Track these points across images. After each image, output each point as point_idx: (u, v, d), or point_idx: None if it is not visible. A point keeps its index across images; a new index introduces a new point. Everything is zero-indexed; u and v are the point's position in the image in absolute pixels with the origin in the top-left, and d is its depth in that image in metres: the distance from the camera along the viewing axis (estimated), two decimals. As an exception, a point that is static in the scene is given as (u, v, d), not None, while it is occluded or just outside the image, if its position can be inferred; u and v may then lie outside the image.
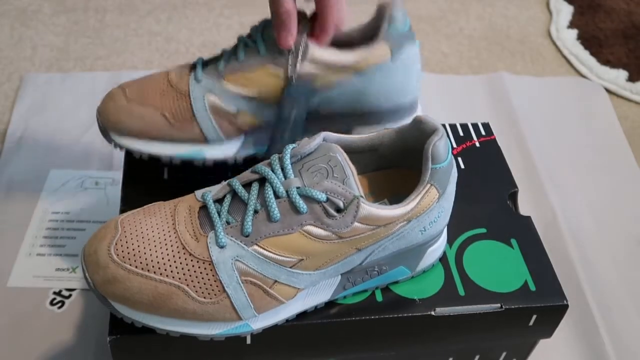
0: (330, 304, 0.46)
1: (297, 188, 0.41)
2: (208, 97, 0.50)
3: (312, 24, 0.49)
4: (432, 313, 0.46)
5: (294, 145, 0.43)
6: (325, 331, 0.46)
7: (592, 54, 0.88)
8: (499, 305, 0.47)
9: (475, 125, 0.59)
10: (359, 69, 0.49)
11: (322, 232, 0.41)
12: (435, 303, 0.46)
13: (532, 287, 0.48)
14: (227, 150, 0.52)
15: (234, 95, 0.50)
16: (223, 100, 0.50)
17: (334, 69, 0.49)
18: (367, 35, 0.52)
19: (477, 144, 0.58)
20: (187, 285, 0.41)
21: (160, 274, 0.40)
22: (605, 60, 0.87)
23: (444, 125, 0.58)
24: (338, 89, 0.49)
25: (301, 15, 0.49)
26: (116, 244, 0.41)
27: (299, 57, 0.48)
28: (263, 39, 0.49)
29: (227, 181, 0.44)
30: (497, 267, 0.49)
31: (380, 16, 0.51)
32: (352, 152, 0.45)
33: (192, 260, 0.41)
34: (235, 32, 0.90)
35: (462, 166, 0.56)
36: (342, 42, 0.51)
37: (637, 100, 0.84)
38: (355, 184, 0.42)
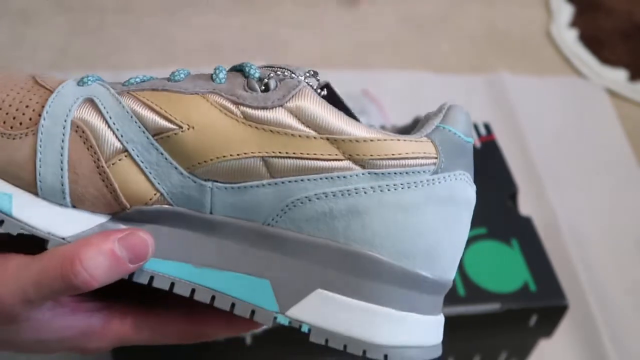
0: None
1: None
2: (83, 107, 0.30)
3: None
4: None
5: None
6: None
7: (592, 53, 0.88)
8: (499, 305, 0.47)
9: (475, 125, 0.59)
10: None
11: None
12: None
13: (532, 287, 0.48)
14: (60, 226, 0.30)
15: (132, 121, 0.30)
16: (110, 117, 0.30)
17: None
18: None
19: (477, 144, 0.58)
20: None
21: None
22: (606, 60, 0.87)
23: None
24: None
25: None
26: None
27: None
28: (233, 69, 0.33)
29: None
30: (497, 267, 0.49)
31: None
32: None
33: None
34: (235, 32, 0.90)
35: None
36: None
37: (637, 100, 0.84)
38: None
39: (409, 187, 0.30)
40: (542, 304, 0.47)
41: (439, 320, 0.32)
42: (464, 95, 0.81)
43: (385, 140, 0.29)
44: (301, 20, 0.90)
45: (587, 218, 0.69)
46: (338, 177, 0.29)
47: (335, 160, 0.29)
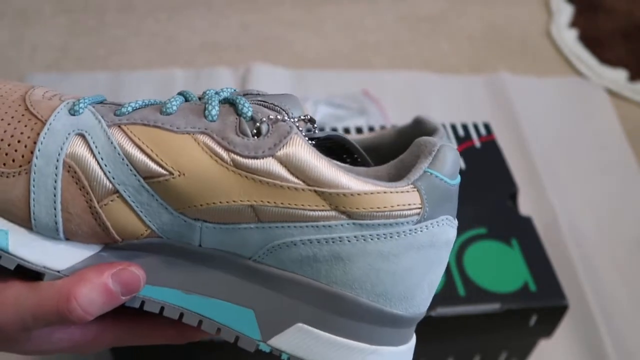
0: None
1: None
2: (74, 144, 0.30)
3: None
4: (432, 314, 0.46)
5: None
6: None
7: (592, 53, 0.88)
8: (499, 305, 0.47)
9: (475, 125, 0.59)
10: None
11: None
12: (435, 303, 0.46)
13: (533, 287, 0.48)
14: (55, 260, 0.30)
15: (123, 163, 0.30)
16: (101, 159, 0.30)
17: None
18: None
19: (477, 144, 0.58)
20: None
21: None
22: (606, 60, 0.87)
23: (443, 125, 0.58)
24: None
25: None
26: None
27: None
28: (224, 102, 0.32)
29: None
30: (497, 267, 0.49)
31: (416, 153, 0.33)
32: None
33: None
34: (236, 32, 0.90)
35: (463, 166, 0.56)
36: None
37: (637, 100, 0.84)
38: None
39: (391, 237, 0.31)
40: (542, 304, 0.47)
41: (410, 346, 0.34)
42: (464, 95, 0.81)
43: (372, 193, 0.30)
44: (301, 20, 0.90)
45: (587, 218, 0.69)
46: (324, 225, 0.30)
47: (322, 210, 0.30)
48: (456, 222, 0.33)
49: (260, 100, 0.31)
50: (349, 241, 0.30)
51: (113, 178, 0.30)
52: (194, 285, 0.32)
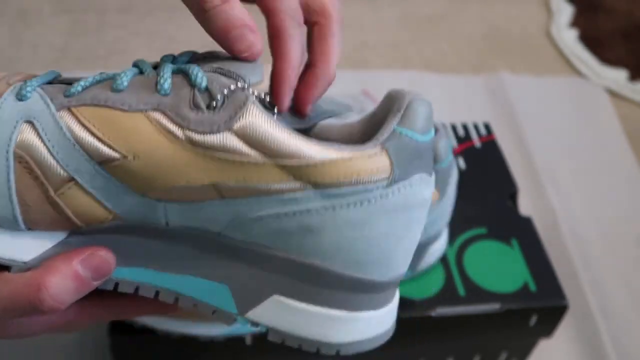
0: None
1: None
2: (24, 133, 0.29)
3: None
4: (432, 314, 0.46)
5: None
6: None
7: (592, 53, 0.88)
8: (499, 305, 0.47)
9: (475, 125, 0.59)
10: None
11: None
12: (435, 303, 0.46)
13: (533, 288, 0.48)
14: (20, 251, 0.30)
15: (75, 149, 0.29)
16: (52, 146, 0.29)
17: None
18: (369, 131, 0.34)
19: (477, 144, 0.58)
20: None
21: None
22: (606, 60, 0.87)
23: (443, 125, 0.58)
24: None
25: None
26: None
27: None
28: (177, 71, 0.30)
29: None
30: (498, 267, 0.49)
31: (387, 107, 0.33)
32: None
33: None
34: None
35: (462, 166, 0.56)
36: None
37: (637, 99, 0.84)
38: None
39: (361, 205, 0.29)
40: (542, 304, 0.47)
41: (392, 307, 0.33)
42: (464, 95, 0.81)
43: (336, 161, 0.29)
44: (301, 20, 0.90)
45: (587, 218, 0.69)
46: (289, 198, 0.29)
47: (286, 182, 0.29)
48: (432, 177, 0.31)
49: (217, 68, 0.30)
50: (317, 212, 0.29)
51: (67, 165, 0.28)
52: (165, 264, 0.31)
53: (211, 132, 0.28)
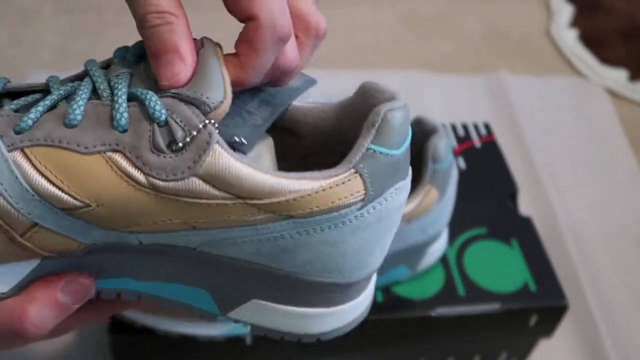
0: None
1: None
2: None
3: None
4: (432, 314, 0.46)
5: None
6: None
7: (592, 53, 0.88)
8: (499, 305, 0.47)
9: (475, 125, 0.59)
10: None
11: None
12: (435, 303, 0.46)
13: (533, 288, 0.48)
14: None
15: (34, 199, 0.27)
16: (10, 196, 0.27)
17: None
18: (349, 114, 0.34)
19: (477, 144, 0.58)
20: None
21: None
22: (606, 60, 0.87)
23: (443, 125, 0.58)
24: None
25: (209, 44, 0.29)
26: None
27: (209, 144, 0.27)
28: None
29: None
30: (497, 267, 0.49)
31: (361, 101, 0.34)
32: None
33: None
34: (236, 32, 0.90)
35: (463, 166, 0.56)
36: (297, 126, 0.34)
37: (637, 99, 0.84)
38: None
39: (335, 227, 0.29)
40: (542, 304, 0.47)
41: (369, 290, 0.33)
42: (464, 95, 0.81)
43: (309, 195, 0.28)
44: (301, 20, 0.90)
45: (587, 218, 0.69)
46: (262, 227, 0.28)
47: (258, 215, 0.28)
48: (407, 180, 0.31)
49: (174, 94, 0.27)
50: (291, 237, 0.28)
51: (28, 214, 0.27)
52: (142, 273, 0.31)
53: (175, 179, 0.26)
